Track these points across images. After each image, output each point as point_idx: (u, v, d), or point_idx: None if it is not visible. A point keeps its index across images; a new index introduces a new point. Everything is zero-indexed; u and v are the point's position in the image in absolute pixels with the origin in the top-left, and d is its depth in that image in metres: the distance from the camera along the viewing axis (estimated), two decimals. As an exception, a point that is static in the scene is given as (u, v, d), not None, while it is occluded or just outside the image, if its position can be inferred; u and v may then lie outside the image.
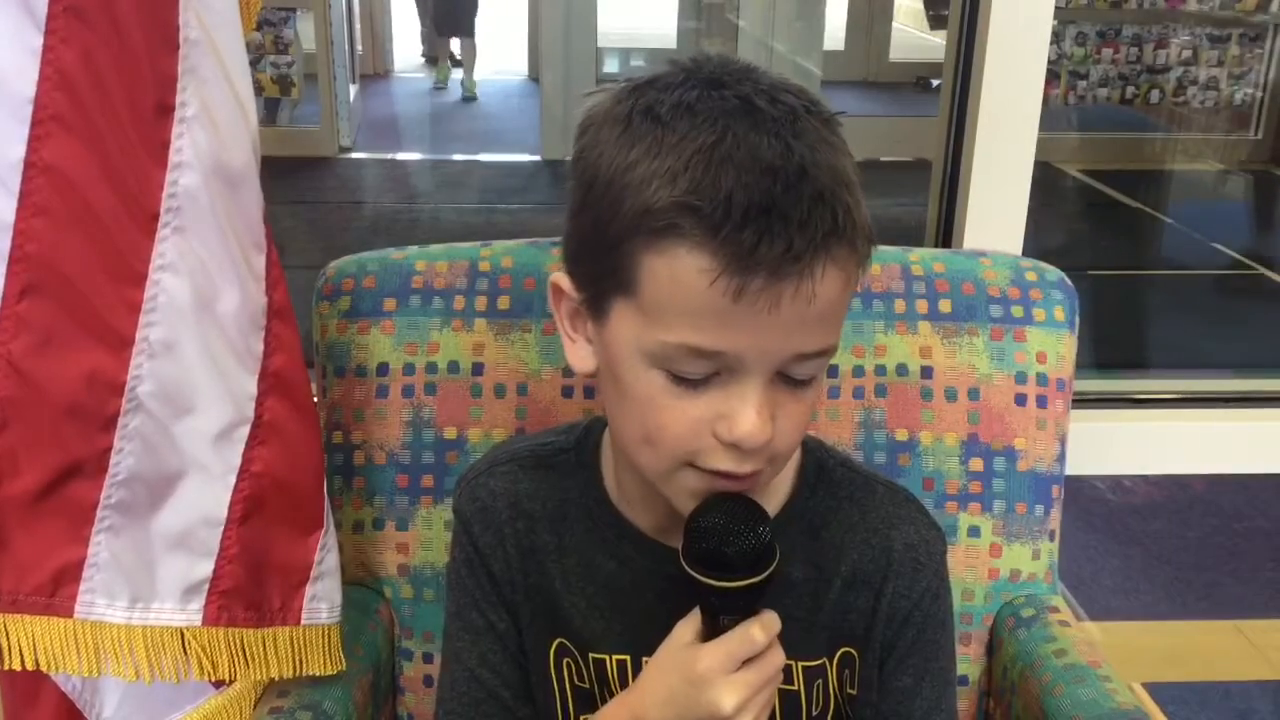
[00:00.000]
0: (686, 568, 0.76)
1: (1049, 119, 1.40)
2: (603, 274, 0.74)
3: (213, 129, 0.89)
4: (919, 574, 0.86)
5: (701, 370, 0.72)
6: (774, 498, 0.87)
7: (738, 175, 0.68)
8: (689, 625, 0.78)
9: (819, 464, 0.89)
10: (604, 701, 0.88)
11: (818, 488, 0.89)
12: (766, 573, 0.76)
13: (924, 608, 0.87)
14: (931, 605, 0.87)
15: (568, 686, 0.89)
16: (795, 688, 0.87)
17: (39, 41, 0.84)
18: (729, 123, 0.69)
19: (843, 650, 0.88)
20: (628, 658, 0.87)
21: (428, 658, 1.14)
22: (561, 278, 0.80)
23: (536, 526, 0.89)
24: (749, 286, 0.68)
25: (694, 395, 0.73)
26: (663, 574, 0.80)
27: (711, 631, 0.77)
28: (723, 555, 0.75)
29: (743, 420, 0.72)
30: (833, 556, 0.87)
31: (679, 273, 0.69)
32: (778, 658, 0.77)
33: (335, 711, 0.99)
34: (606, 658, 0.88)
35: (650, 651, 0.80)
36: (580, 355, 0.81)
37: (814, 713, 0.88)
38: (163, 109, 0.88)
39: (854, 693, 0.89)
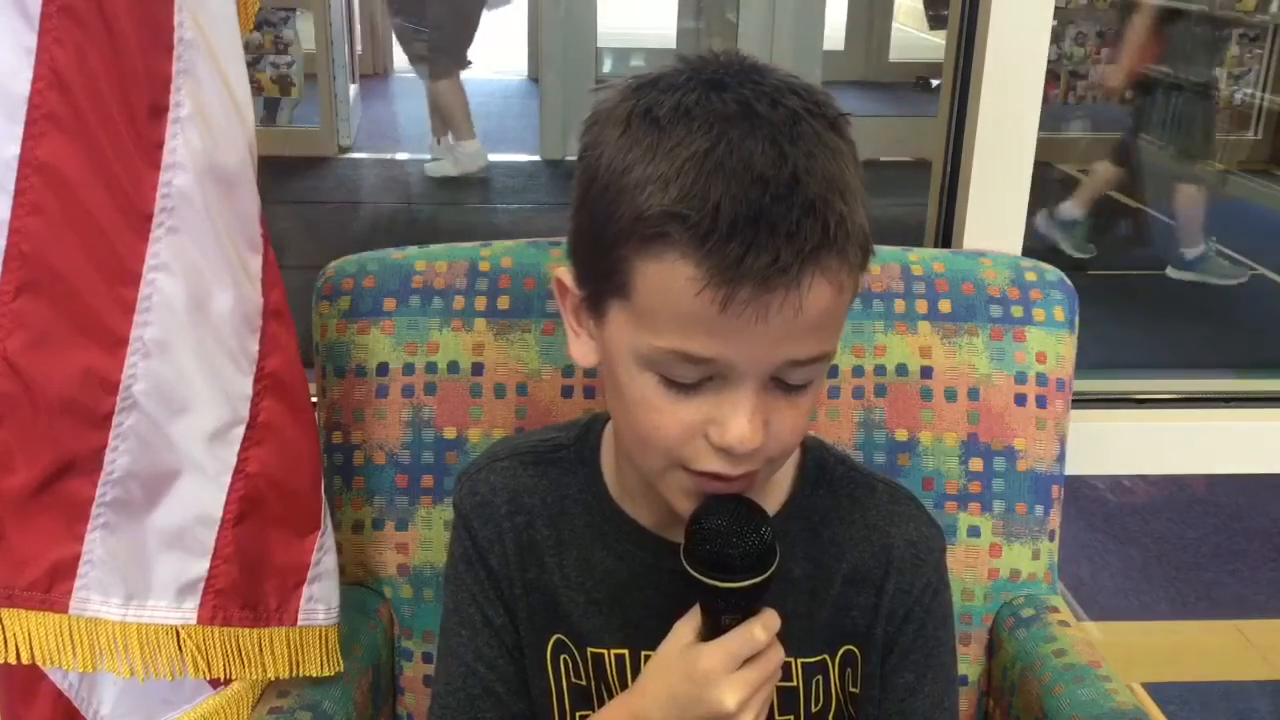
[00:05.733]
0: (689, 569, 0.76)
1: (1049, 119, 1.40)
2: (599, 275, 0.75)
3: (207, 130, 0.89)
4: (919, 571, 0.87)
5: (693, 375, 0.72)
6: (775, 496, 0.87)
7: (727, 184, 0.67)
8: (689, 624, 0.78)
9: (819, 462, 0.90)
10: (601, 698, 0.88)
11: (818, 486, 0.89)
12: (768, 573, 0.76)
13: (924, 604, 0.87)
14: (932, 601, 0.88)
15: (565, 683, 0.89)
16: (794, 684, 0.88)
17: (33, 41, 0.85)
18: (725, 128, 0.69)
19: (845, 648, 0.88)
20: (626, 652, 0.87)
21: (427, 658, 1.13)
22: (565, 273, 0.80)
23: (535, 522, 0.89)
24: (736, 297, 0.68)
25: (686, 399, 0.73)
26: (662, 569, 0.80)
27: (713, 631, 0.77)
28: (727, 557, 0.75)
29: (733, 426, 0.72)
30: (833, 554, 0.87)
31: (669, 280, 0.69)
32: (778, 655, 0.78)
33: (335, 712, 0.99)
34: (605, 652, 0.88)
35: (649, 646, 0.81)
36: (583, 350, 0.81)
37: (814, 709, 0.89)
38: (156, 109, 0.88)
39: (856, 691, 0.89)
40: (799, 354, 0.72)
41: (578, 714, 0.89)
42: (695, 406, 0.73)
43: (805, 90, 0.72)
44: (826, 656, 0.88)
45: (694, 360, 0.71)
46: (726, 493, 0.77)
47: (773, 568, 0.76)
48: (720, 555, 0.75)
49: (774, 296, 0.68)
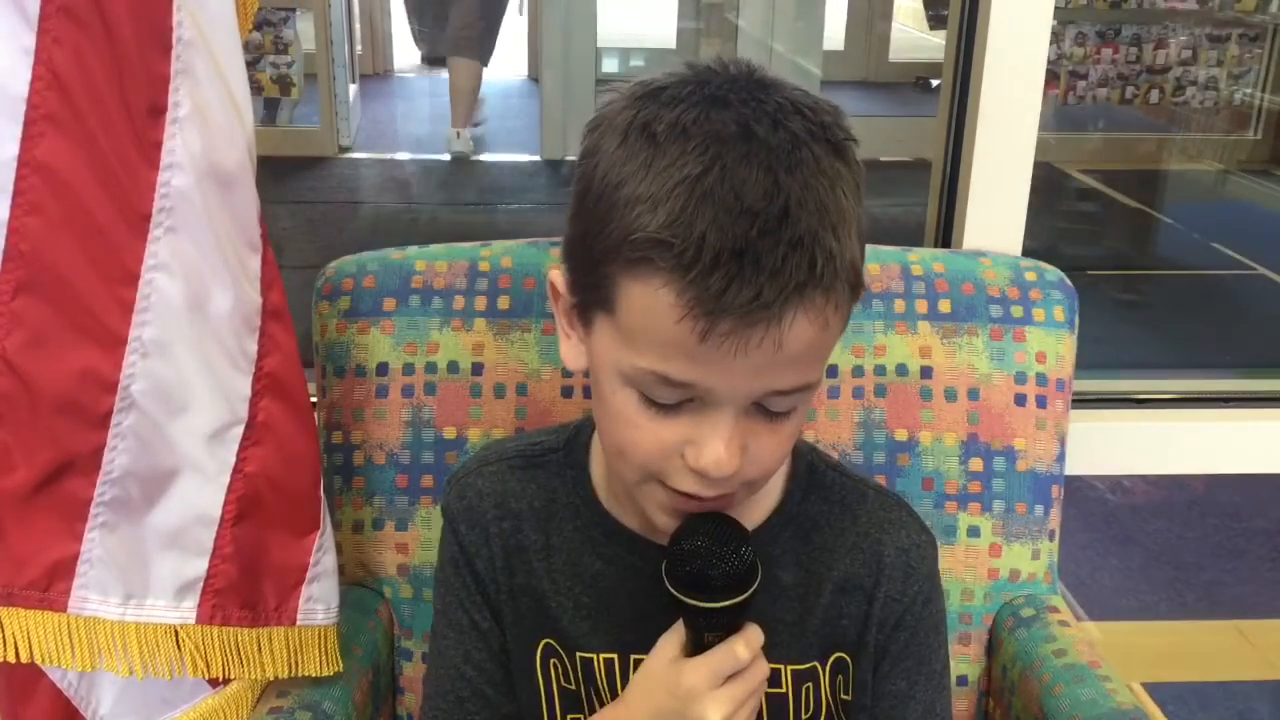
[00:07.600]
0: (670, 589, 0.76)
1: (1048, 119, 1.39)
2: (588, 286, 0.75)
3: (206, 130, 0.89)
4: (910, 578, 0.87)
5: (673, 397, 0.72)
6: (765, 502, 0.87)
7: (715, 214, 0.66)
8: (674, 640, 0.78)
9: (810, 468, 0.89)
10: (591, 702, 0.88)
11: (809, 492, 0.89)
12: (749, 592, 0.76)
13: (915, 612, 0.87)
14: (923, 609, 0.87)
15: (554, 687, 0.89)
16: (783, 691, 0.87)
17: (32, 41, 0.85)
18: (721, 151, 0.67)
19: (836, 656, 0.88)
20: (615, 656, 0.87)
21: (427, 658, 1.13)
22: (558, 276, 0.80)
23: (523, 526, 0.89)
24: (715, 329, 0.68)
25: (665, 418, 0.73)
26: (650, 573, 0.80)
27: (696, 646, 0.77)
28: (706, 579, 0.75)
29: (709, 450, 0.72)
30: (824, 561, 0.87)
31: (651, 304, 0.69)
32: (762, 670, 0.78)
33: (335, 712, 0.99)
34: (594, 657, 0.87)
35: (638, 650, 0.81)
36: (573, 353, 0.81)
37: (804, 717, 0.88)
38: (155, 110, 0.88)
39: (849, 698, 0.88)
40: (779, 385, 0.72)
41: (568, 718, 0.89)
42: (674, 426, 0.73)
43: (811, 110, 0.71)
44: (817, 664, 0.88)
45: (673, 383, 0.71)
46: (704, 511, 0.77)
47: (754, 587, 0.76)
48: (700, 576, 0.75)
49: (754, 331, 0.68)
